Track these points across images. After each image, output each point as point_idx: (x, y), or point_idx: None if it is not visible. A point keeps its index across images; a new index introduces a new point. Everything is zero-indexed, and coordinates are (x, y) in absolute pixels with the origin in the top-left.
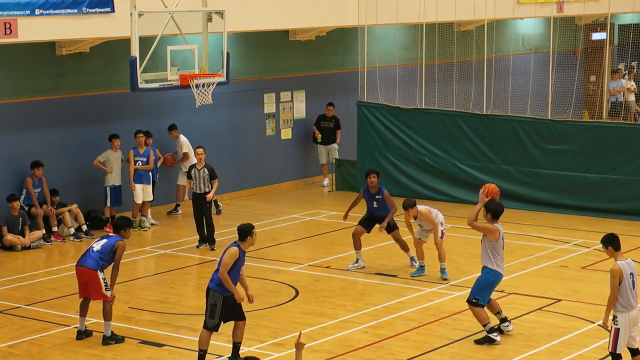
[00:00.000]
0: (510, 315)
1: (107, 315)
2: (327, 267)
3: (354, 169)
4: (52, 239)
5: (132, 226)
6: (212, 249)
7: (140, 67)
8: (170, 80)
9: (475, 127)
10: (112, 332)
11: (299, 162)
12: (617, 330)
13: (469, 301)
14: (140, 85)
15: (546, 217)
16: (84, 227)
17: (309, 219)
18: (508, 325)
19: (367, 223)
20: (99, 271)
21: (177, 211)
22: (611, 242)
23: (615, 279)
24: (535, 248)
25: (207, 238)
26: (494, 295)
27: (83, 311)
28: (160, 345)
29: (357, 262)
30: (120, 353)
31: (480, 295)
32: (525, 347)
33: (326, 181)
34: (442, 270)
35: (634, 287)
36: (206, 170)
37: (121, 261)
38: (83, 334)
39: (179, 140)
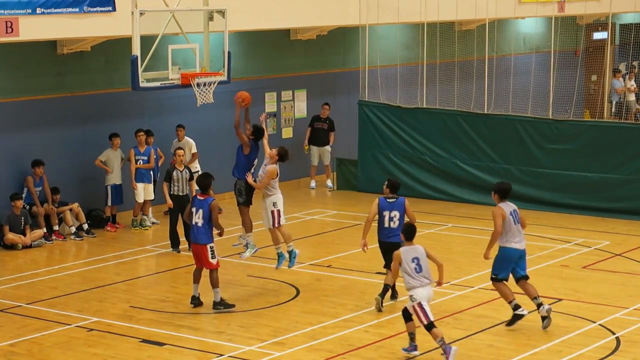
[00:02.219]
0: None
1: (214, 283)
2: (328, 266)
3: (355, 169)
4: (53, 237)
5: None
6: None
7: (141, 66)
8: (171, 79)
9: (477, 127)
10: (220, 297)
11: (300, 161)
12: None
13: (491, 278)
14: (142, 84)
15: (547, 216)
16: (85, 226)
17: (310, 219)
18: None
19: None
20: (207, 244)
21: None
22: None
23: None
24: (536, 247)
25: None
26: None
27: (196, 278)
28: (161, 344)
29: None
30: (121, 352)
31: (498, 270)
32: (526, 346)
33: (314, 183)
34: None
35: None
36: (187, 172)
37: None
38: (196, 300)
39: (185, 140)
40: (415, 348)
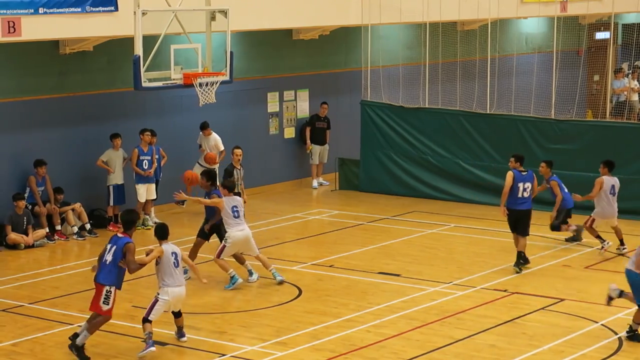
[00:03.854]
0: (513, 315)
1: (91, 328)
2: (330, 266)
3: (357, 168)
4: (56, 237)
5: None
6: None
7: (143, 65)
8: (173, 79)
9: (479, 127)
10: (84, 344)
11: (302, 161)
12: None
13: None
14: (144, 84)
15: (549, 216)
16: (87, 226)
17: (312, 218)
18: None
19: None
20: (106, 286)
21: (183, 204)
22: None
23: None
24: (538, 247)
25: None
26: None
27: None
28: (163, 344)
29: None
30: (124, 352)
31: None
32: (529, 346)
33: (316, 183)
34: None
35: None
36: (242, 170)
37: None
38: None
39: (212, 137)
40: None
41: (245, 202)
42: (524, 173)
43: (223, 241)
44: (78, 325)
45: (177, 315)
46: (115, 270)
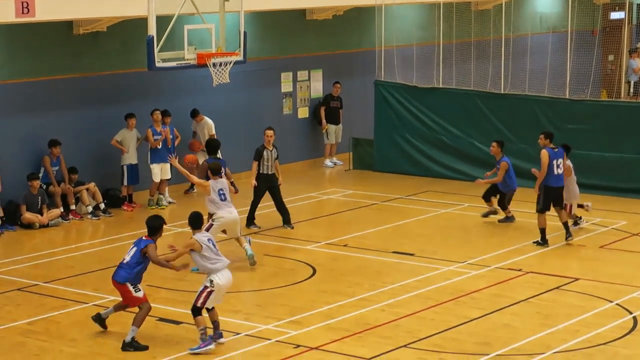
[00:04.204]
0: (528, 294)
1: (137, 320)
2: (345, 245)
3: (371, 148)
4: (70, 217)
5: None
6: (292, 228)
7: (157, 46)
8: (187, 59)
9: (493, 107)
10: (132, 337)
11: (316, 141)
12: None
13: None
14: (158, 64)
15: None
16: (102, 206)
17: (326, 198)
18: None
19: None
20: (126, 283)
21: (193, 189)
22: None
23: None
24: (552, 227)
25: (283, 218)
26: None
27: (117, 307)
28: (177, 322)
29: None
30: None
31: None
32: (543, 326)
33: (330, 162)
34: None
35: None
36: (275, 151)
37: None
38: (98, 320)
39: (205, 123)
40: None
41: (280, 183)
42: (555, 150)
43: (211, 220)
44: (93, 304)
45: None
46: (134, 270)
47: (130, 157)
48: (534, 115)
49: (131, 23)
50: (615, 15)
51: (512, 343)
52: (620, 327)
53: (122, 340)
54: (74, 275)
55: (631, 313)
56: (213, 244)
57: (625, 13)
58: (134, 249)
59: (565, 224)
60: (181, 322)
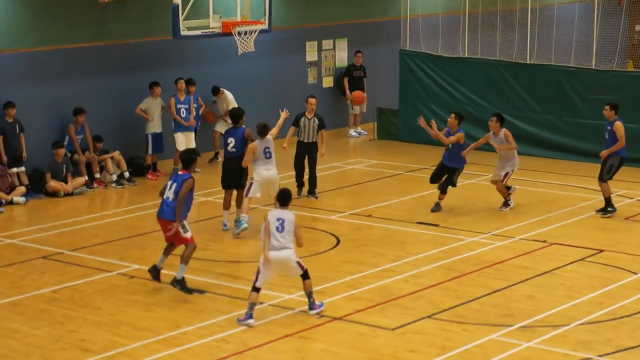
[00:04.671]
0: (552, 266)
1: (184, 258)
2: (369, 215)
3: (396, 118)
4: (95, 185)
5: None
6: (316, 198)
7: (182, 14)
8: (212, 28)
9: (519, 77)
10: (183, 277)
11: (340, 110)
12: None
13: None
14: (182, 33)
15: (589, 167)
16: (126, 174)
17: (351, 168)
18: None
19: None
20: (173, 222)
21: (217, 159)
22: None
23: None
24: (577, 198)
25: (309, 188)
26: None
27: (166, 251)
28: (202, 292)
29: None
30: (162, 300)
31: None
32: (567, 297)
33: (354, 132)
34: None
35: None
36: (316, 120)
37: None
38: (154, 271)
39: (224, 97)
40: None
41: (322, 154)
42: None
43: (250, 179)
44: (118, 273)
45: (304, 277)
46: (178, 205)
47: (155, 126)
48: (560, 85)
49: None
50: None
51: (535, 315)
52: None
53: (173, 278)
54: (99, 244)
55: None
56: (282, 224)
57: None
58: (174, 184)
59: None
60: (205, 292)
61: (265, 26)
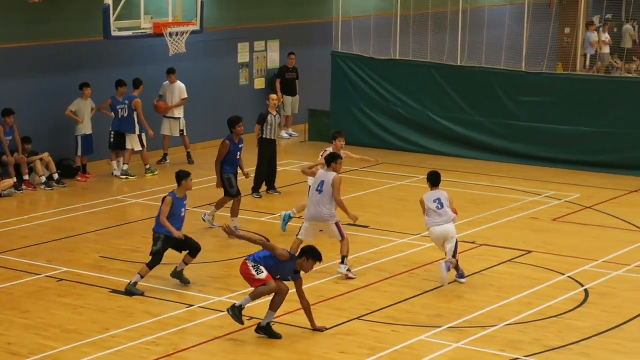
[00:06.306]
0: (481, 267)
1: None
2: (300, 217)
3: (328, 120)
4: (24, 187)
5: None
6: (279, 193)
7: (113, 15)
8: (143, 29)
9: (450, 79)
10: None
11: None
12: None
13: None
14: (114, 34)
15: (519, 169)
16: (56, 176)
17: (282, 169)
18: None
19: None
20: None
21: (166, 160)
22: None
23: None
24: (507, 200)
25: (268, 184)
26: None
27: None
28: (131, 294)
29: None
30: (91, 302)
31: None
32: (496, 298)
33: (286, 134)
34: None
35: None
36: (279, 117)
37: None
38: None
39: (177, 85)
40: None
41: None
42: None
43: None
44: (47, 276)
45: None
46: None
47: (85, 128)
48: (491, 87)
49: None
50: None
51: (465, 315)
52: (572, 300)
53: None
54: (27, 246)
55: (583, 286)
56: None
57: None
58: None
59: None
60: (135, 294)
61: (197, 27)
